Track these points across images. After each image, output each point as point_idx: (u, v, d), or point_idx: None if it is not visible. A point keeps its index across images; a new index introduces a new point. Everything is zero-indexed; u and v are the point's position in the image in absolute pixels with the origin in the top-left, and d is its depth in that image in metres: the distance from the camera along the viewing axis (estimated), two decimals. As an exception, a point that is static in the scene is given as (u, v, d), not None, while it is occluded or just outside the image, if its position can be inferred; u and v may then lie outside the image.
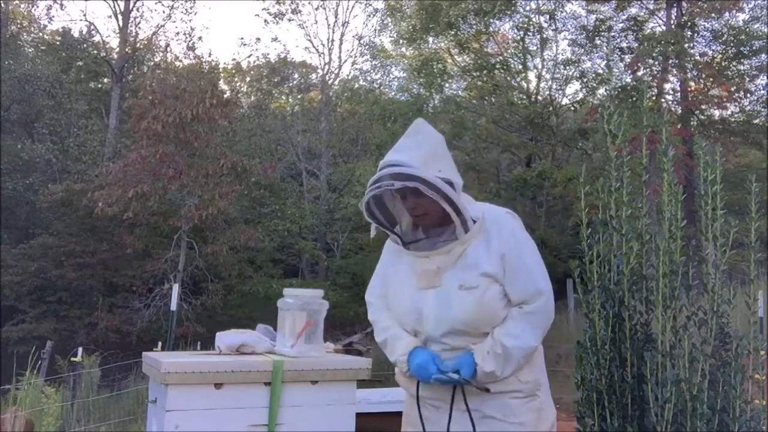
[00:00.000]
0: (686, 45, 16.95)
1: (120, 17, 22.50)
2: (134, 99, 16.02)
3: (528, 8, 19.02)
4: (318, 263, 21.93)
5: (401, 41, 20.81)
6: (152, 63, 23.56)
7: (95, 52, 23.89)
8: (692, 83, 17.38)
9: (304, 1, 24.19)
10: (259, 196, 19.58)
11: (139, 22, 23.77)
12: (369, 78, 22.87)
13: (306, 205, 21.26)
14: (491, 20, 18.77)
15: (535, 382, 2.05)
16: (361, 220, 20.76)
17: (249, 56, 34.50)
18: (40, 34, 24.76)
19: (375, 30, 24.58)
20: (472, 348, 1.98)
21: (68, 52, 23.82)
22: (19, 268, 16.53)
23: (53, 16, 39.57)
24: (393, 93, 21.67)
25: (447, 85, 20.30)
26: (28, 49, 23.51)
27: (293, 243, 20.02)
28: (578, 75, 19.14)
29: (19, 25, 23.67)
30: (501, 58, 19.43)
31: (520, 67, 19.76)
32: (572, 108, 19.76)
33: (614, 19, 18.31)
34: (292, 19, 24.07)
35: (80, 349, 9.63)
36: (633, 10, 18.01)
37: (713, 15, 17.19)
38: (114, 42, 23.81)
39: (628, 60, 17.51)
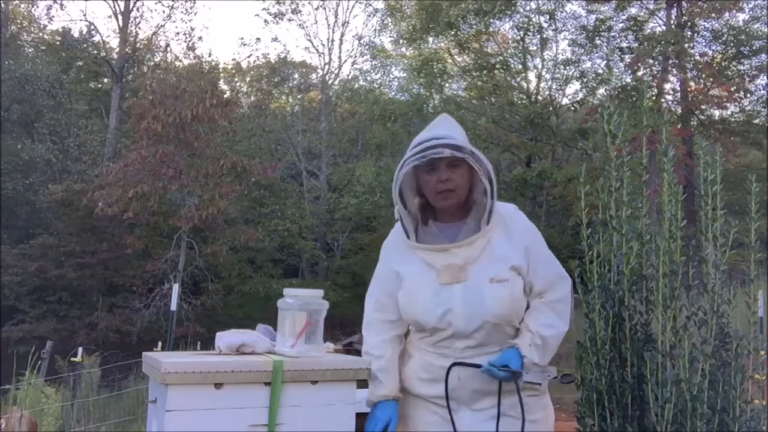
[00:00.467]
0: (686, 45, 16.96)
1: (120, 17, 22.52)
2: (134, 99, 16.02)
3: (528, 8, 19.03)
4: (318, 263, 21.93)
5: (401, 41, 20.81)
6: (152, 63, 23.56)
7: (95, 52, 23.90)
8: (692, 83, 17.38)
9: (304, 1, 24.24)
10: (259, 196, 19.60)
11: (139, 22, 23.84)
12: (369, 78, 22.92)
13: (306, 205, 21.27)
14: (491, 20, 18.77)
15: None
16: (361, 219, 20.80)
17: (249, 56, 34.52)
18: (40, 34, 24.79)
19: (375, 30, 24.65)
20: (514, 342, 1.97)
21: (68, 52, 23.83)
22: (19, 268, 16.53)
23: (53, 16, 39.61)
24: (393, 93, 21.70)
25: (447, 85, 20.31)
26: (28, 49, 23.51)
27: (293, 243, 20.02)
28: (578, 75, 19.14)
29: (19, 25, 23.67)
30: (501, 58, 19.43)
31: (520, 67, 19.77)
32: (572, 108, 19.76)
33: (614, 19, 18.32)
34: (292, 19, 24.12)
35: (80, 349, 9.63)
36: (633, 10, 18.01)
37: (713, 15, 17.19)
38: (114, 42, 23.86)
39: (628, 60, 17.51)
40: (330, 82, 24.34)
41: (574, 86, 20.04)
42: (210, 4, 43.04)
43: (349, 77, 24.56)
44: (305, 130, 22.98)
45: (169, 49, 24.25)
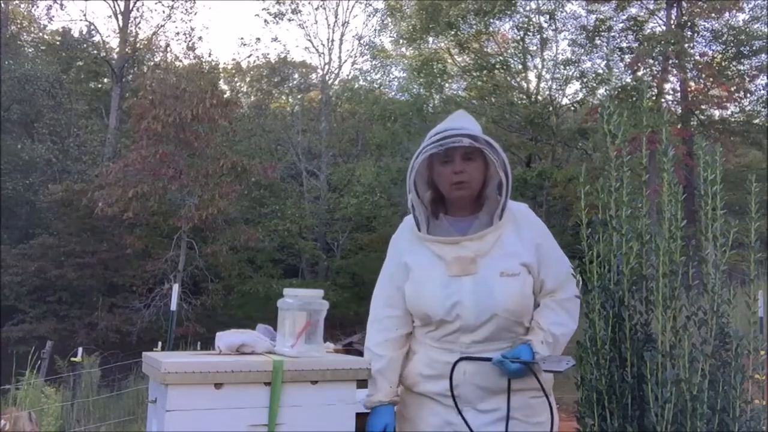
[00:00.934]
0: (686, 45, 16.95)
1: (120, 17, 22.52)
2: (134, 99, 16.03)
3: (528, 8, 19.02)
4: (318, 263, 21.93)
5: (401, 41, 20.80)
6: (152, 63, 23.57)
7: (95, 52, 23.90)
8: (692, 83, 17.38)
9: (304, 1, 24.24)
10: (259, 196, 19.61)
11: (139, 22, 23.84)
12: (369, 78, 22.89)
13: (306, 205, 21.27)
14: (491, 20, 18.75)
15: (550, 380, 2.05)
16: (361, 219, 20.81)
17: (249, 56, 34.53)
18: (40, 34, 24.79)
19: (375, 30, 24.64)
20: (527, 339, 1.97)
21: (68, 52, 23.83)
22: (19, 268, 16.53)
23: (53, 16, 39.59)
24: (393, 93, 21.67)
25: (447, 85, 20.29)
26: (28, 49, 23.51)
27: (293, 243, 20.02)
28: (578, 75, 19.12)
29: (19, 25, 23.67)
30: (501, 58, 19.41)
31: (520, 67, 19.75)
32: (572, 108, 19.75)
33: (614, 19, 18.30)
34: (292, 19, 24.11)
35: (80, 349, 9.64)
36: (633, 10, 18.01)
37: (713, 15, 17.19)
38: (114, 42, 23.86)
39: (628, 60, 17.51)
40: (330, 82, 24.35)
41: (574, 86, 20.05)
42: (210, 4, 43.09)
43: (349, 77, 24.58)
44: (305, 130, 22.98)
45: (169, 49, 24.29)
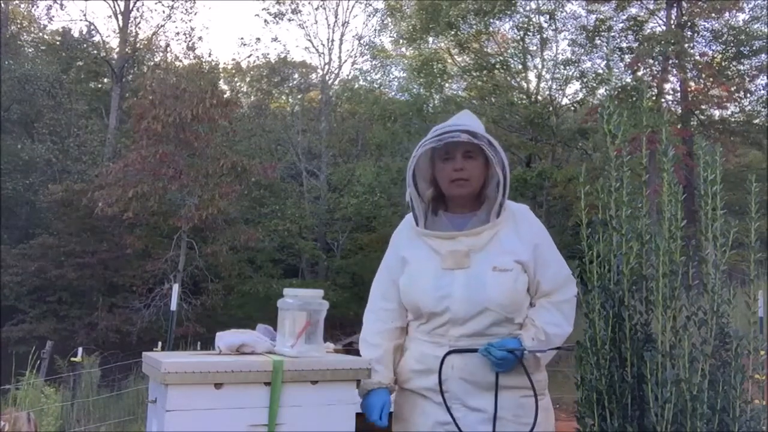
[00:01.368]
0: (686, 45, 16.95)
1: (120, 17, 22.52)
2: (134, 99, 16.03)
3: (528, 8, 19.01)
4: (318, 263, 21.93)
5: (401, 41, 20.80)
6: (152, 63, 23.56)
7: (95, 52, 23.90)
8: (692, 83, 17.38)
9: (304, 1, 24.22)
10: (259, 196, 19.60)
11: (139, 22, 23.79)
12: (369, 78, 22.89)
13: (306, 205, 21.27)
14: (491, 20, 18.75)
15: (545, 380, 2.06)
16: (361, 219, 20.81)
17: (249, 56, 34.53)
18: (40, 34, 24.79)
19: (375, 30, 24.63)
20: (517, 333, 1.98)
21: (68, 52, 23.83)
22: (19, 268, 16.53)
23: (53, 16, 39.55)
24: (393, 93, 21.67)
25: (447, 85, 20.29)
26: (28, 49, 23.52)
27: (293, 243, 20.02)
28: (578, 75, 19.12)
29: (19, 25, 23.67)
30: (501, 58, 19.41)
31: (520, 67, 19.75)
32: (572, 108, 19.75)
33: (614, 19, 18.30)
34: (292, 19, 24.10)
35: (80, 349, 9.64)
36: (633, 10, 18.00)
37: (713, 15, 17.19)
38: (114, 42, 23.86)
39: (628, 60, 17.50)
40: (330, 82, 24.35)
41: (574, 86, 20.04)
42: (210, 4, 43.08)
43: (349, 77, 24.57)
44: (305, 130, 22.98)
45: (169, 49, 24.28)
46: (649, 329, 1.78)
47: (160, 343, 8.82)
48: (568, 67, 19.14)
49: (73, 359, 9.17)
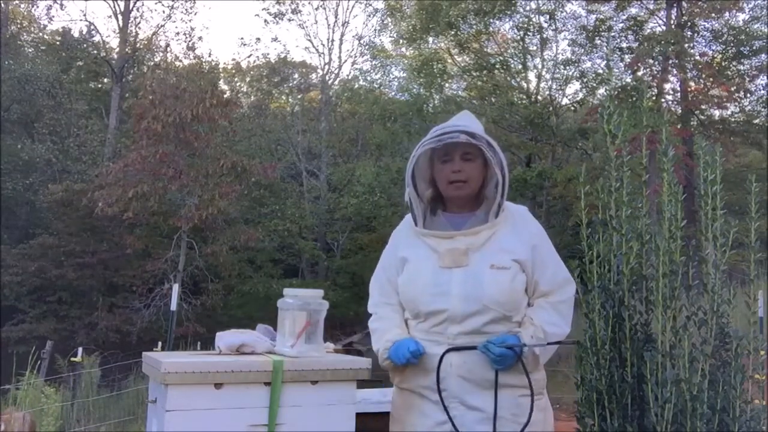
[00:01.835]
0: (686, 45, 16.95)
1: (120, 17, 22.51)
2: (134, 99, 16.04)
3: (528, 8, 19.02)
4: (318, 263, 21.93)
5: (401, 41, 20.80)
6: (152, 63, 23.54)
7: (95, 52, 23.88)
8: (692, 83, 17.37)
9: (304, 1, 24.19)
10: (259, 196, 19.59)
11: (139, 22, 23.75)
12: (369, 78, 22.87)
13: (306, 205, 21.26)
14: (491, 20, 18.75)
15: (543, 380, 2.06)
16: (361, 219, 20.80)
17: (249, 56, 34.48)
18: (40, 34, 24.77)
19: (375, 30, 24.59)
20: (516, 331, 1.99)
21: (68, 52, 23.82)
22: (19, 268, 16.52)
23: (53, 16, 39.48)
24: (393, 93, 21.67)
25: (447, 85, 20.30)
26: (28, 49, 23.51)
27: (293, 243, 20.02)
28: (578, 75, 19.12)
29: (19, 25, 23.67)
30: (501, 58, 19.42)
31: (520, 67, 19.75)
32: (572, 108, 19.75)
33: (614, 19, 18.30)
34: (292, 19, 24.07)
35: (80, 349, 9.64)
36: (633, 10, 18.00)
37: (713, 15, 17.18)
38: (114, 42, 23.83)
39: (628, 60, 17.50)
40: (330, 82, 24.34)
41: (574, 86, 20.04)
42: (210, 4, 43.01)
43: (349, 77, 24.56)
44: (305, 130, 22.97)
45: (169, 49, 24.25)
46: (649, 329, 1.78)
47: (160, 343, 8.81)
48: (568, 67, 19.15)
49: (73, 359, 9.16)
